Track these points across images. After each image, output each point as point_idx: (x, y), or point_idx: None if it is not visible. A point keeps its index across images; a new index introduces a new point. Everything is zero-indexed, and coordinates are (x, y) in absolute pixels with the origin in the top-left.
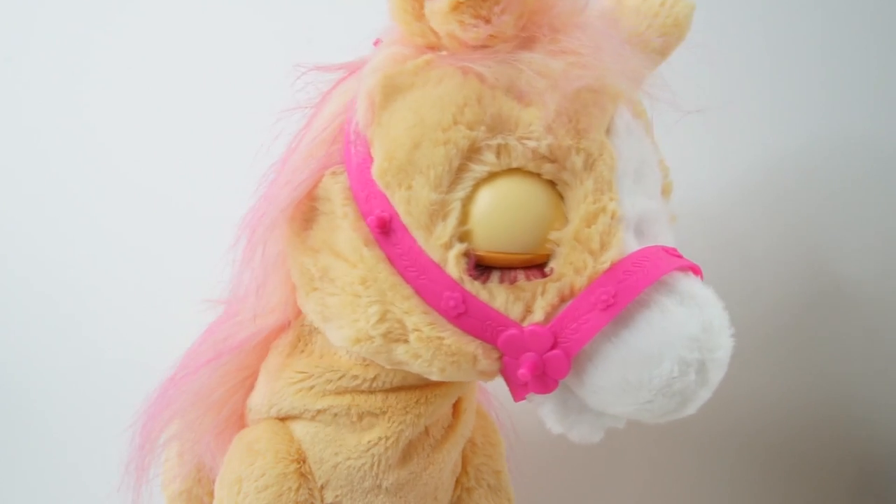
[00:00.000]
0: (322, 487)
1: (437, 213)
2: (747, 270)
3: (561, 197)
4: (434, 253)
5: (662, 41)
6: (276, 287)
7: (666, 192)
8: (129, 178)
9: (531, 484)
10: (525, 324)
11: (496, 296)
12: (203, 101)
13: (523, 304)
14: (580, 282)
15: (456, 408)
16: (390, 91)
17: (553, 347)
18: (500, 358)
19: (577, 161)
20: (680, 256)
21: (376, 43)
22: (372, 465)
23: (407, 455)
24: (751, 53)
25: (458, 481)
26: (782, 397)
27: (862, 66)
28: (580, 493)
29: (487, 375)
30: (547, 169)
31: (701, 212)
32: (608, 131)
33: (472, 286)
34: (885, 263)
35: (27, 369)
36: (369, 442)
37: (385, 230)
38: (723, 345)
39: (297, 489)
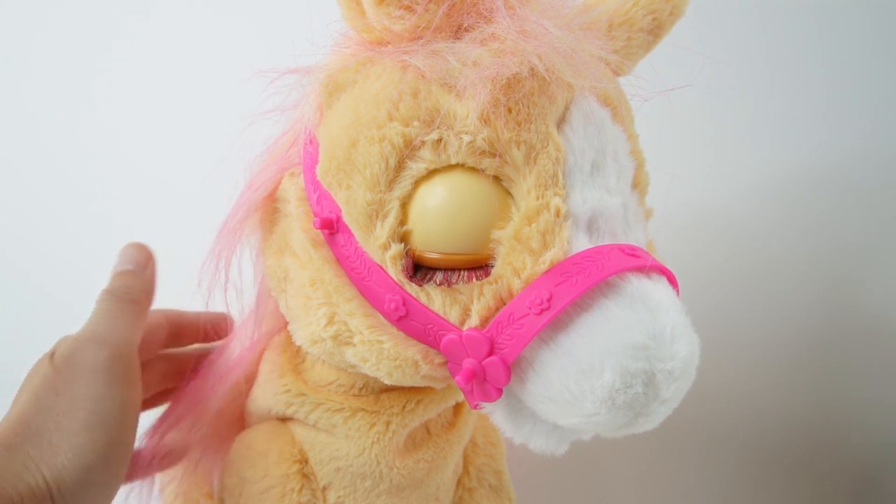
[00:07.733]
0: (325, 488)
1: (376, 213)
2: (750, 273)
3: (509, 194)
4: (374, 254)
5: (652, 19)
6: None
7: (639, 184)
8: (134, 178)
9: (532, 484)
10: (464, 328)
11: (434, 298)
12: (210, 98)
13: (461, 308)
14: (517, 284)
15: (457, 407)
16: (334, 90)
17: (490, 353)
18: (445, 364)
19: (518, 154)
20: (639, 256)
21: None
22: (372, 466)
23: (407, 455)
24: (770, 55)
25: (459, 481)
26: (782, 398)
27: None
28: (580, 493)
29: (436, 381)
30: (487, 164)
31: (713, 215)
32: (561, 121)
33: (412, 288)
34: (887, 264)
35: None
36: (368, 442)
37: (332, 231)
38: (678, 355)
39: (300, 490)
